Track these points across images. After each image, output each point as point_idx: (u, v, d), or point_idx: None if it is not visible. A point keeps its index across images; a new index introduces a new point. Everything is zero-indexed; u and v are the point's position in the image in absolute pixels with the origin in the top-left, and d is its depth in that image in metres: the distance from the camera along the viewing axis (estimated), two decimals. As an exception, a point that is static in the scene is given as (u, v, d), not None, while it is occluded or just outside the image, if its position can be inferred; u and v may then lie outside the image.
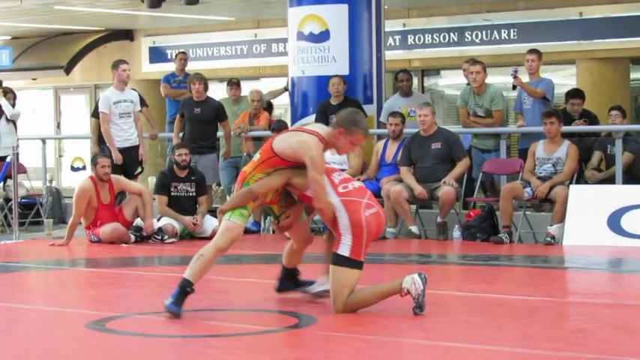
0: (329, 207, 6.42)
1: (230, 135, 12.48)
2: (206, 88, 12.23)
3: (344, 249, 6.42)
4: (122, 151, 11.73)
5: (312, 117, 12.41)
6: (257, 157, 6.68)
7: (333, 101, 12.16)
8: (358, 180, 6.85)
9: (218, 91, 15.51)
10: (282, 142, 6.57)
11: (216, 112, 12.23)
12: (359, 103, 12.26)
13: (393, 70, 15.82)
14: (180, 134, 12.33)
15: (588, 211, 10.16)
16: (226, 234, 6.52)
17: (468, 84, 12.17)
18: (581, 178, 10.84)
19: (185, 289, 6.49)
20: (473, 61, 12.11)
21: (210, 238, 10.51)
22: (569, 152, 10.50)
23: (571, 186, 10.39)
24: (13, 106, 13.86)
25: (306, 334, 6.14)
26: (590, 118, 11.67)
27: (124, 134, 11.80)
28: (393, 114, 11.58)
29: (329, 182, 6.50)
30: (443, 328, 6.23)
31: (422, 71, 18.46)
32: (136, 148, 11.90)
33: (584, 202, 10.23)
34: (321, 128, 6.72)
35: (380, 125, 12.23)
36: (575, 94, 11.84)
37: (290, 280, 7.11)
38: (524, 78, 11.79)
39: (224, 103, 12.80)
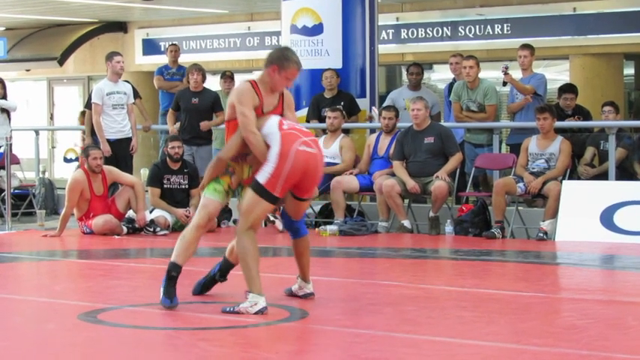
0: (255, 137, 6.35)
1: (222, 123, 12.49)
2: (204, 79, 12.25)
3: (262, 176, 6.31)
4: (114, 142, 11.70)
5: (305, 110, 12.42)
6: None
7: (327, 95, 12.17)
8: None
9: (211, 84, 15.49)
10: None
11: (212, 103, 12.22)
12: (353, 97, 12.28)
13: (387, 64, 15.86)
14: (177, 125, 12.30)
15: (581, 207, 10.17)
16: (202, 211, 6.57)
17: (455, 79, 12.17)
18: (574, 174, 10.85)
19: (170, 273, 6.54)
20: (461, 56, 12.13)
21: (203, 230, 10.55)
22: (562, 148, 10.51)
23: (564, 182, 10.40)
24: (4, 97, 13.81)
25: (297, 328, 6.14)
26: (583, 113, 11.68)
27: (116, 126, 11.79)
28: (387, 108, 11.59)
29: (277, 126, 6.40)
30: (435, 322, 6.24)
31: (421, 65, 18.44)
32: (128, 140, 11.88)
33: (576, 198, 10.24)
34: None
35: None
36: (568, 88, 11.86)
37: (213, 281, 6.97)
38: (517, 73, 11.80)
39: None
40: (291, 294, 6.97)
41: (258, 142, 6.38)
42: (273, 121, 6.46)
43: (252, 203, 6.35)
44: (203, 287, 7.03)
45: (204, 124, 11.95)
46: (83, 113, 13.34)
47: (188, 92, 12.25)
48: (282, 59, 6.53)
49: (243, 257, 6.38)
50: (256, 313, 6.28)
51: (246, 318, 6.28)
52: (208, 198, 6.57)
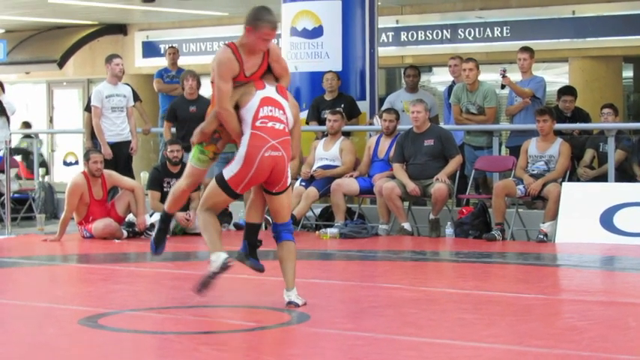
0: (228, 114, 6.46)
1: None
2: (199, 85, 12.14)
3: (227, 172, 6.52)
4: (113, 145, 11.70)
5: (305, 113, 12.43)
6: None
7: (327, 97, 12.17)
8: (288, 129, 6.68)
9: (210, 86, 15.48)
10: None
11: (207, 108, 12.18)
12: (353, 100, 12.28)
13: (387, 66, 15.87)
14: (174, 129, 12.27)
15: (581, 209, 10.18)
16: (188, 179, 6.89)
17: (454, 81, 12.18)
18: (573, 176, 10.86)
19: (162, 218, 7.10)
20: (460, 58, 12.14)
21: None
22: (561, 150, 10.51)
23: (563, 183, 10.40)
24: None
25: (298, 331, 6.14)
26: (582, 115, 11.69)
27: (115, 129, 11.79)
28: (388, 110, 11.59)
29: (253, 113, 6.47)
30: (435, 325, 6.24)
31: (418, 68, 18.43)
32: (127, 144, 11.88)
33: (576, 200, 10.24)
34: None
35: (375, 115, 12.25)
36: (567, 91, 11.87)
37: (250, 244, 7.09)
38: (517, 76, 11.81)
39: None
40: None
41: (230, 120, 6.50)
42: (252, 104, 6.48)
43: (213, 192, 6.62)
44: (251, 258, 7.09)
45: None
46: None
47: (184, 101, 12.09)
48: (255, 19, 6.48)
49: (204, 227, 6.71)
50: (221, 267, 6.53)
51: (246, 322, 6.29)
52: (193, 166, 6.82)
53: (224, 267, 6.52)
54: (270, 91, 6.60)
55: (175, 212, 7.10)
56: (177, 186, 7.03)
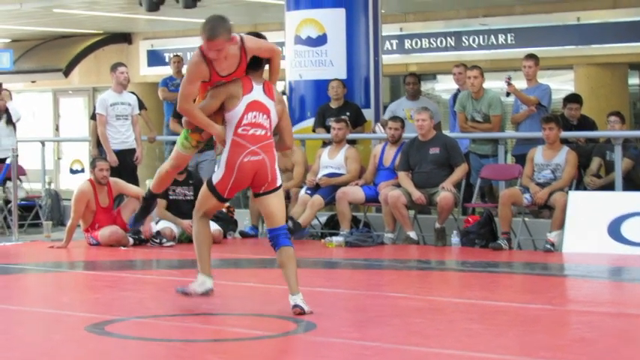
0: (190, 112, 6.66)
1: None
2: None
3: (215, 177, 6.78)
4: (118, 153, 11.71)
5: (310, 121, 12.43)
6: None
7: (333, 105, 12.16)
8: (274, 134, 6.84)
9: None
10: None
11: None
12: (359, 108, 12.27)
13: (391, 74, 15.87)
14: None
15: (588, 218, 10.13)
16: (172, 160, 7.11)
17: (459, 89, 12.18)
18: (580, 185, 10.83)
19: (146, 196, 7.37)
20: (464, 66, 12.14)
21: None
22: (568, 158, 10.48)
23: (570, 192, 10.36)
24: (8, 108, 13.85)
25: (304, 340, 6.13)
26: (588, 124, 11.67)
27: (120, 137, 11.80)
28: (393, 118, 11.58)
29: (237, 120, 6.62)
30: (442, 335, 6.22)
31: (419, 76, 18.44)
32: (132, 152, 11.89)
33: (583, 209, 10.19)
34: None
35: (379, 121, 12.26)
36: (572, 98, 11.85)
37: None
38: (521, 83, 11.80)
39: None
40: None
41: (194, 115, 6.67)
42: (237, 111, 6.62)
43: (205, 196, 6.86)
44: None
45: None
46: None
47: None
48: (200, 31, 6.59)
49: (196, 240, 6.96)
50: (203, 294, 6.87)
51: (252, 330, 6.28)
52: (177, 151, 7.03)
53: (204, 295, 6.89)
54: (256, 93, 6.70)
55: (160, 192, 7.37)
56: (162, 166, 7.23)
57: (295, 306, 6.64)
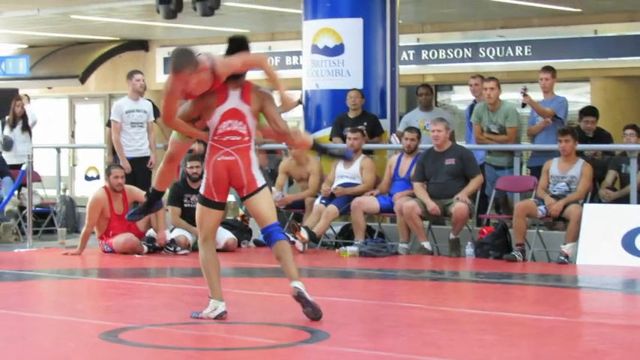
0: (175, 126, 6.94)
1: None
2: None
3: (201, 187, 6.98)
4: (132, 160, 11.73)
5: (326, 130, 12.44)
6: None
7: (351, 114, 12.16)
8: (255, 141, 7.07)
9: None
10: None
11: None
12: (376, 118, 12.27)
13: (407, 84, 15.87)
14: (195, 146, 12.28)
15: (602, 231, 10.11)
16: (169, 148, 7.28)
17: (475, 100, 12.17)
18: (595, 197, 10.80)
19: (150, 194, 7.53)
20: (481, 77, 12.13)
21: (222, 250, 10.57)
22: (583, 171, 10.46)
23: (585, 205, 10.34)
24: (24, 114, 13.91)
25: (318, 349, 6.12)
26: (603, 136, 11.64)
27: (134, 144, 11.83)
28: (410, 129, 11.58)
29: (213, 129, 6.86)
30: (456, 345, 6.21)
31: (435, 86, 18.46)
32: (146, 159, 11.92)
33: (598, 222, 10.18)
34: None
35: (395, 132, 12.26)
36: (589, 111, 11.81)
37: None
38: (538, 95, 11.78)
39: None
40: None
41: (180, 129, 6.96)
42: (213, 122, 6.87)
43: (201, 213, 6.98)
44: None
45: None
46: None
47: None
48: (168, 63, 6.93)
49: (204, 267, 6.97)
50: (216, 318, 6.81)
51: (265, 339, 6.29)
52: (173, 139, 7.21)
53: (218, 318, 6.85)
54: (231, 101, 6.89)
55: (163, 190, 7.53)
56: (163, 161, 7.34)
57: (299, 295, 6.74)
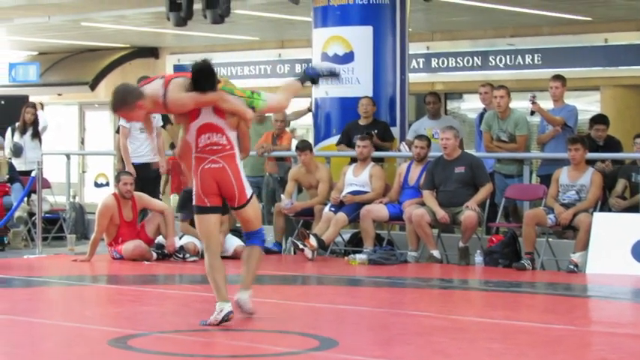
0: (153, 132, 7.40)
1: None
2: None
3: (193, 198, 7.08)
4: (140, 166, 11.72)
5: (335, 138, 12.44)
6: None
7: (362, 122, 12.16)
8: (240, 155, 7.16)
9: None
10: None
11: None
12: (387, 125, 12.26)
13: (417, 92, 15.87)
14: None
15: (612, 240, 10.07)
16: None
17: (485, 109, 12.16)
18: (605, 206, 10.77)
19: None
20: (491, 85, 12.12)
21: (231, 257, 10.57)
22: (593, 179, 10.44)
23: (595, 213, 10.32)
24: (35, 120, 13.95)
25: (326, 357, 6.11)
26: (614, 144, 11.62)
27: (143, 149, 11.81)
28: (420, 137, 11.57)
29: (194, 144, 7.01)
30: (464, 354, 6.20)
31: (445, 94, 18.46)
32: (155, 165, 11.90)
33: (607, 230, 10.15)
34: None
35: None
36: (599, 119, 11.80)
37: None
38: (548, 104, 11.77)
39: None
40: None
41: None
42: (190, 137, 7.02)
43: (199, 224, 7.09)
44: None
45: None
46: None
47: None
48: None
49: (209, 273, 7.04)
50: (223, 319, 6.86)
51: (274, 346, 6.28)
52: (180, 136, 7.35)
53: (225, 320, 6.90)
54: (205, 116, 7.02)
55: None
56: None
57: (239, 303, 7.07)
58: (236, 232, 11.47)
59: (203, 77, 6.89)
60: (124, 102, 6.94)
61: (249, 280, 7.20)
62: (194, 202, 7.04)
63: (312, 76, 7.64)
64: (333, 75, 7.76)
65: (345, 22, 12.44)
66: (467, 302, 8.74)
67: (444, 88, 18.44)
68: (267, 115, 13.72)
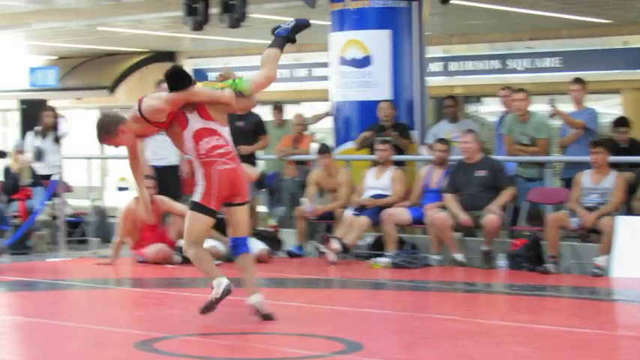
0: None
1: (265, 148, 12.53)
2: None
3: (196, 196, 7.07)
4: (160, 169, 11.73)
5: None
6: None
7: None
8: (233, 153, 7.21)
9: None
10: None
11: (256, 126, 12.19)
12: (406, 127, 12.24)
13: (436, 96, 15.87)
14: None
15: (636, 243, 10.02)
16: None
17: (507, 112, 12.14)
18: (629, 209, 10.71)
19: None
20: (510, 89, 12.10)
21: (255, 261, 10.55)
22: (617, 182, 10.39)
23: (618, 217, 10.27)
24: (56, 125, 13.98)
25: (352, 361, 6.12)
26: (638, 145, 11.57)
27: (162, 152, 11.81)
28: (440, 140, 11.55)
29: (194, 152, 7.07)
30: (489, 357, 6.20)
31: (464, 98, 18.45)
32: (174, 168, 11.92)
33: (631, 234, 10.10)
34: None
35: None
36: (621, 122, 11.76)
37: None
38: (568, 107, 11.73)
39: (267, 127, 12.80)
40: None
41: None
42: (189, 147, 7.08)
43: (192, 221, 7.10)
44: None
45: (243, 149, 11.45)
46: None
47: (232, 116, 12.11)
48: None
49: (196, 261, 7.14)
50: (223, 293, 6.97)
51: (300, 349, 6.28)
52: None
53: (226, 292, 6.99)
54: (194, 123, 7.09)
55: None
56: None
57: (255, 308, 7.05)
58: (259, 235, 11.47)
59: (177, 78, 7.06)
60: (107, 131, 7.21)
61: (253, 284, 7.22)
62: (199, 200, 7.04)
63: (286, 37, 7.61)
64: (303, 26, 7.70)
65: (363, 26, 12.43)
66: (491, 306, 8.71)
67: (462, 91, 18.44)
68: (285, 118, 13.73)
